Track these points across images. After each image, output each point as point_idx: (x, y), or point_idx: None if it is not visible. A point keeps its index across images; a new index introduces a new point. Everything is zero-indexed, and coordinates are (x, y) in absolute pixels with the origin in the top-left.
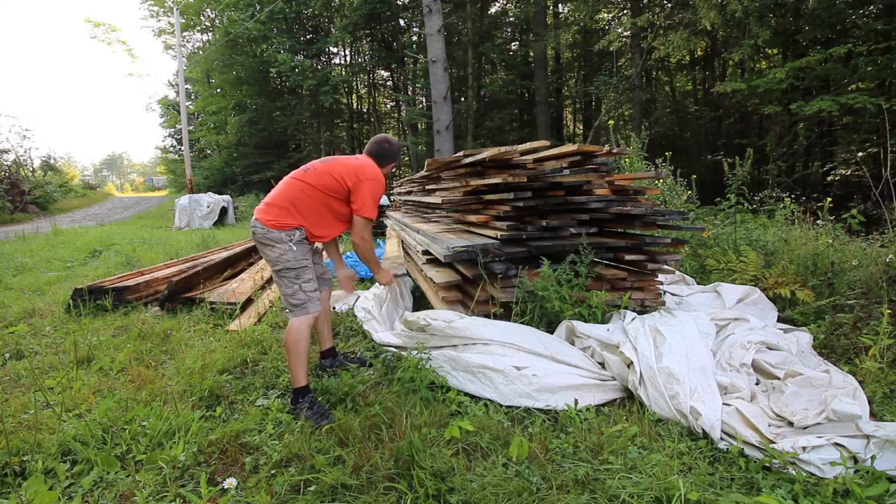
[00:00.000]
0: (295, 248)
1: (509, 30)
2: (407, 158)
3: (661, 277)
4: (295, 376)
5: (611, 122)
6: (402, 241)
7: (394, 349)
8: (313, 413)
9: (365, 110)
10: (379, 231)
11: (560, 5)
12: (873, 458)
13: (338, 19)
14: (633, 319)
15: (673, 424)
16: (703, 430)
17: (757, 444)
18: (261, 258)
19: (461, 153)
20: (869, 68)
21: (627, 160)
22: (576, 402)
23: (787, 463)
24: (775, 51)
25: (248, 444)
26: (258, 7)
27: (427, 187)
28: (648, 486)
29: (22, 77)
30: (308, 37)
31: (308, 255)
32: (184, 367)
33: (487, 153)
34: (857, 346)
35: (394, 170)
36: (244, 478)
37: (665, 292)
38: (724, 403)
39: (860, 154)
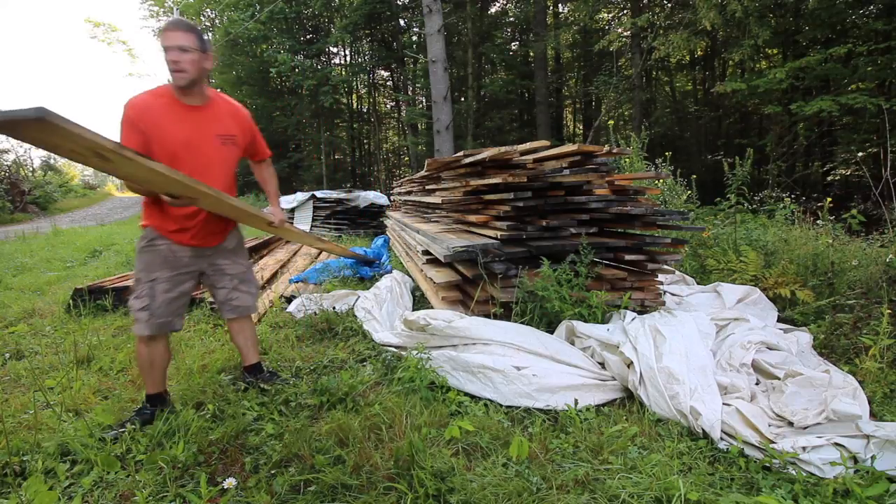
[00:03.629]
0: (143, 256)
1: (509, 30)
2: (407, 158)
3: (661, 277)
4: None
5: (611, 122)
6: (403, 241)
7: (394, 349)
8: (137, 415)
9: (365, 110)
10: (379, 231)
11: (560, 5)
12: (873, 458)
13: (338, 19)
14: (633, 319)
15: (673, 424)
16: (703, 430)
17: (757, 444)
18: (260, 258)
19: (461, 153)
20: (869, 68)
21: (627, 160)
22: (576, 402)
23: (787, 463)
24: (775, 51)
25: (248, 444)
26: (258, 7)
27: (427, 187)
28: (648, 486)
29: (22, 77)
30: (308, 37)
31: (159, 267)
32: (184, 366)
33: (487, 153)
34: (857, 346)
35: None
36: (244, 478)
37: (665, 292)
38: (724, 403)
39: (860, 154)
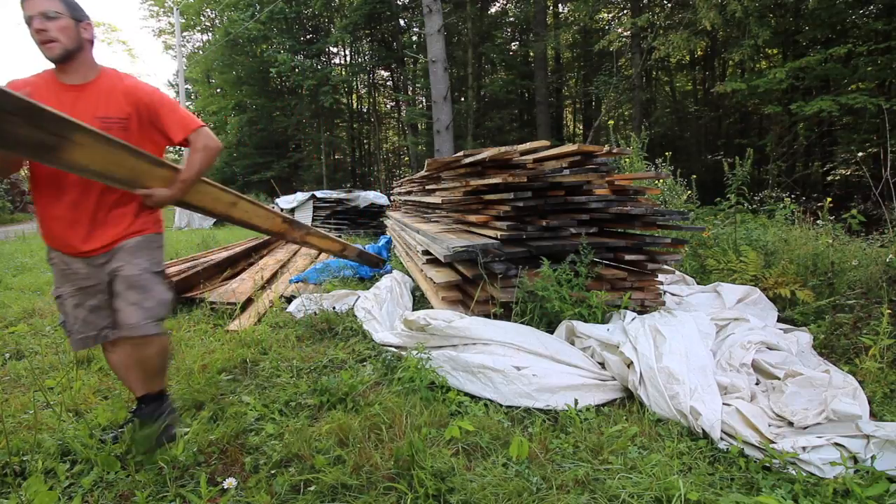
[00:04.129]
0: (53, 272)
1: (509, 30)
2: (407, 158)
3: (661, 277)
4: None
5: (611, 122)
6: (403, 241)
7: (394, 349)
8: (134, 415)
9: (365, 110)
10: (379, 230)
11: (560, 5)
12: (873, 458)
13: (338, 19)
14: (633, 319)
15: (673, 424)
16: (703, 430)
17: (757, 444)
18: (261, 258)
19: (461, 153)
20: (869, 68)
21: (627, 160)
22: (576, 402)
23: (787, 463)
24: (775, 51)
25: (248, 444)
26: (258, 7)
27: (427, 187)
28: (648, 486)
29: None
30: (308, 37)
31: (61, 282)
32: (184, 366)
33: (487, 153)
34: (857, 346)
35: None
36: (244, 478)
37: (665, 292)
38: (724, 403)
39: (860, 154)
